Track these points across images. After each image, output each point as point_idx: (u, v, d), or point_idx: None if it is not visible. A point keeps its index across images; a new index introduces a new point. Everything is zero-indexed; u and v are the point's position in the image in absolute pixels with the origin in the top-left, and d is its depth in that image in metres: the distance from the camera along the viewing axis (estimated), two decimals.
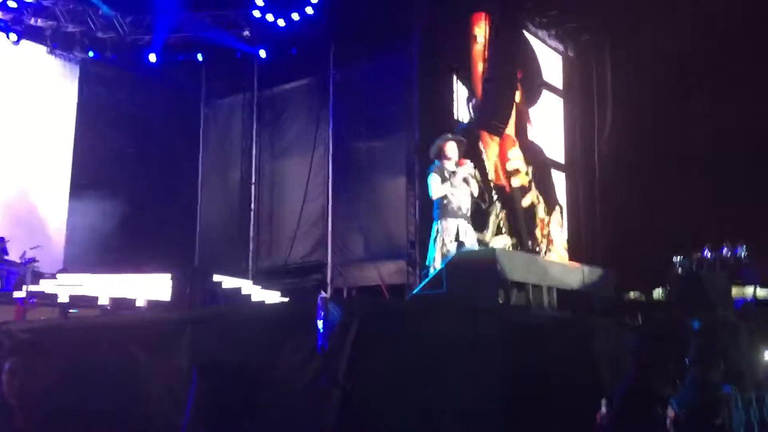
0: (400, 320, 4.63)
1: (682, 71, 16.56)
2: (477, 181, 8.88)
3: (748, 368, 6.59)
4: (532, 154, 17.35)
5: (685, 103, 16.40)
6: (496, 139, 16.11)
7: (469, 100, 15.50)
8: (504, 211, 15.96)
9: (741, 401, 5.00)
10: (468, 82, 15.80)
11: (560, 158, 19.29)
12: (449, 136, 8.76)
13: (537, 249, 15.81)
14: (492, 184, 15.97)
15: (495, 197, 15.82)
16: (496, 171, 16.19)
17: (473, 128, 14.84)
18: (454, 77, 15.76)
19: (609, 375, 6.19)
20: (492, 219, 15.68)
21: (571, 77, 19.93)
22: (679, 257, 13.99)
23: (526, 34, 17.82)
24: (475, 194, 8.47)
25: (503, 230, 15.79)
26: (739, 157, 15.92)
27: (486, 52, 15.46)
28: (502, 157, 16.36)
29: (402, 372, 4.34)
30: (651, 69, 17.16)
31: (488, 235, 15.47)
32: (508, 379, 5.13)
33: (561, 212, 17.65)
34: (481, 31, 15.90)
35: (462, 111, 15.64)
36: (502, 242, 15.47)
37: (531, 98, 18.03)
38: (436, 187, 7.97)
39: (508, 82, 15.47)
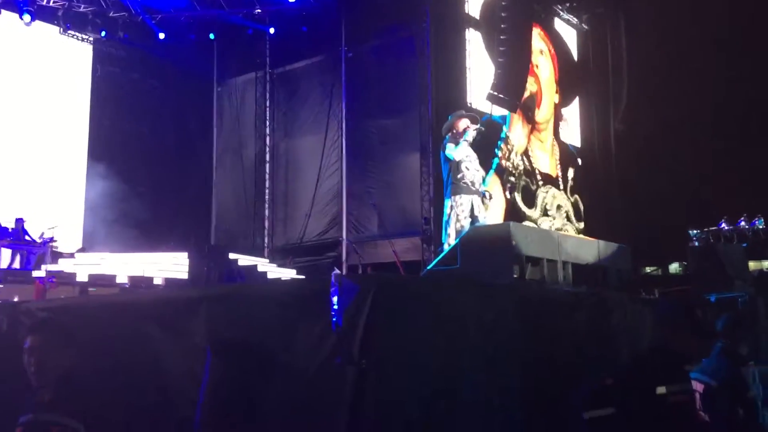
0: (415, 296, 4.62)
1: (698, 42, 16.30)
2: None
3: (766, 342, 6.56)
4: (570, 156, 18.04)
5: (702, 75, 16.17)
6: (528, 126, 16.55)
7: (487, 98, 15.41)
8: (551, 195, 16.51)
9: (759, 375, 4.99)
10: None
11: (576, 138, 19.22)
12: (463, 112, 8.71)
13: None
14: (537, 170, 16.46)
15: (540, 181, 16.32)
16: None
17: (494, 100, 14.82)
18: (467, 52, 15.63)
19: (626, 350, 6.17)
20: (539, 200, 16.15)
21: (586, 52, 19.74)
22: (695, 231, 13.88)
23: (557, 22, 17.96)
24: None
25: (549, 213, 16.33)
26: (757, 129, 15.72)
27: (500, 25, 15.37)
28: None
29: (417, 349, 4.34)
30: (666, 41, 16.92)
31: (536, 212, 15.88)
32: (524, 355, 5.12)
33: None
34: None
35: (475, 88, 15.51)
36: (547, 224, 15.92)
37: (568, 97, 18.34)
38: (454, 151, 7.91)
39: (521, 55, 15.28)
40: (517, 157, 16.08)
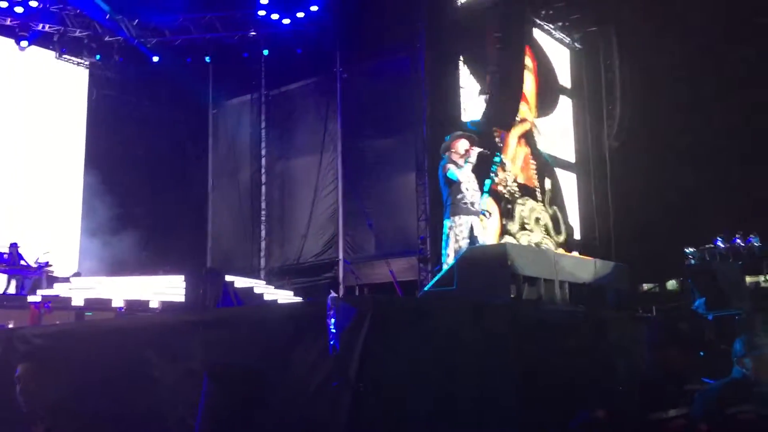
0: (412, 318, 4.60)
1: (691, 61, 16.40)
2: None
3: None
4: (546, 166, 17.85)
5: (695, 92, 16.25)
6: (514, 136, 16.45)
7: (481, 92, 15.43)
8: (528, 208, 16.33)
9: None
10: (479, 76, 15.82)
11: (570, 155, 19.23)
12: (460, 132, 8.68)
13: None
14: (515, 181, 16.29)
15: (518, 193, 16.13)
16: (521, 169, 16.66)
17: (484, 126, 14.80)
18: (461, 72, 15.71)
19: (623, 369, 6.15)
20: (517, 213, 15.98)
21: (579, 71, 19.83)
22: (691, 249, 13.87)
23: (536, 33, 17.89)
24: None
25: (527, 227, 16.12)
26: (750, 146, 15.77)
27: (493, 46, 15.43)
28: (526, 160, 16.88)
29: (414, 370, 4.31)
30: (659, 59, 17.03)
31: (515, 226, 15.72)
32: (522, 375, 5.10)
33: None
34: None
35: (470, 106, 15.58)
36: (525, 239, 15.72)
37: (548, 107, 18.24)
38: (458, 172, 7.89)
39: (515, 75, 15.41)
40: (513, 184, 16.03)
